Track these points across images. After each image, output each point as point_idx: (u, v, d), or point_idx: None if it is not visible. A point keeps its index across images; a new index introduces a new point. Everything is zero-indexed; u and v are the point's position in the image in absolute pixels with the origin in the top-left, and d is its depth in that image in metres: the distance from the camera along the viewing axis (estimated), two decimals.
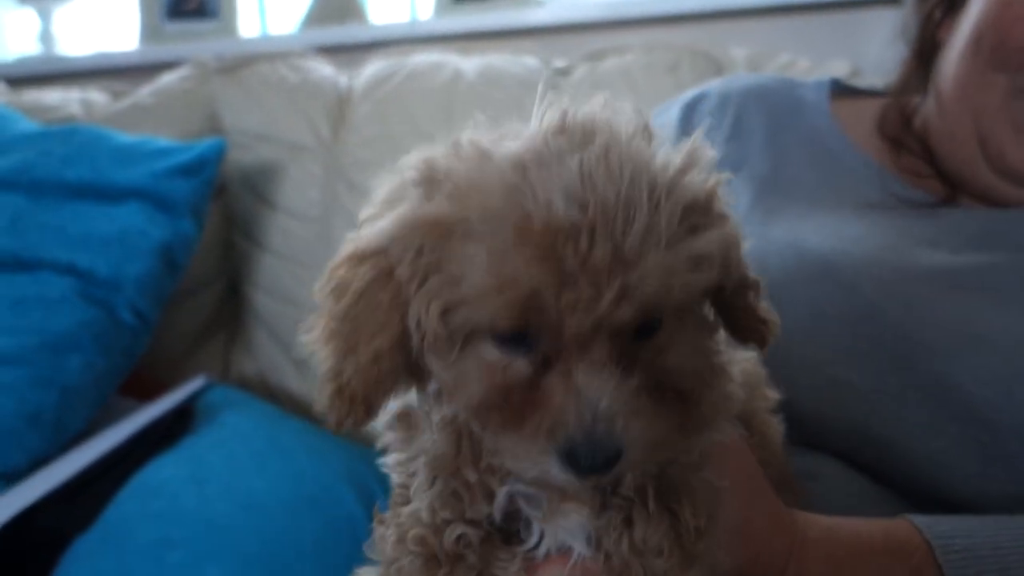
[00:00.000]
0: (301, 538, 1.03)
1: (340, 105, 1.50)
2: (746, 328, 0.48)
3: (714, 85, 0.95)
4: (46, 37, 2.52)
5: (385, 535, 0.50)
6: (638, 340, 0.42)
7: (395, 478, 0.52)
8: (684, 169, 0.43)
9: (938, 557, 0.55)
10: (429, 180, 0.43)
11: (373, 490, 1.17)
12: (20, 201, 1.19)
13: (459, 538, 0.47)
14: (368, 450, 1.28)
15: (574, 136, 0.42)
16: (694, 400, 0.44)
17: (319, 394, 0.45)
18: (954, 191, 0.83)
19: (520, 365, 0.42)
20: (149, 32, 2.49)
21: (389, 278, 0.43)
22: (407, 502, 0.49)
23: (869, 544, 0.57)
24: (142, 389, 1.32)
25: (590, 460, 0.40)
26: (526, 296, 0.39)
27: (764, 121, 0.89)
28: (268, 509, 1.04)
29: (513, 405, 0.42)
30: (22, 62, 2.37)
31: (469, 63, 1.52)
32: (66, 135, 1.26)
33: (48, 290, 1.15)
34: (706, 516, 0.46)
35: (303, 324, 0.46)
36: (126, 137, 1.29)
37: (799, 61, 1.41)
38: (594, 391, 0.40)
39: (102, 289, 1.18)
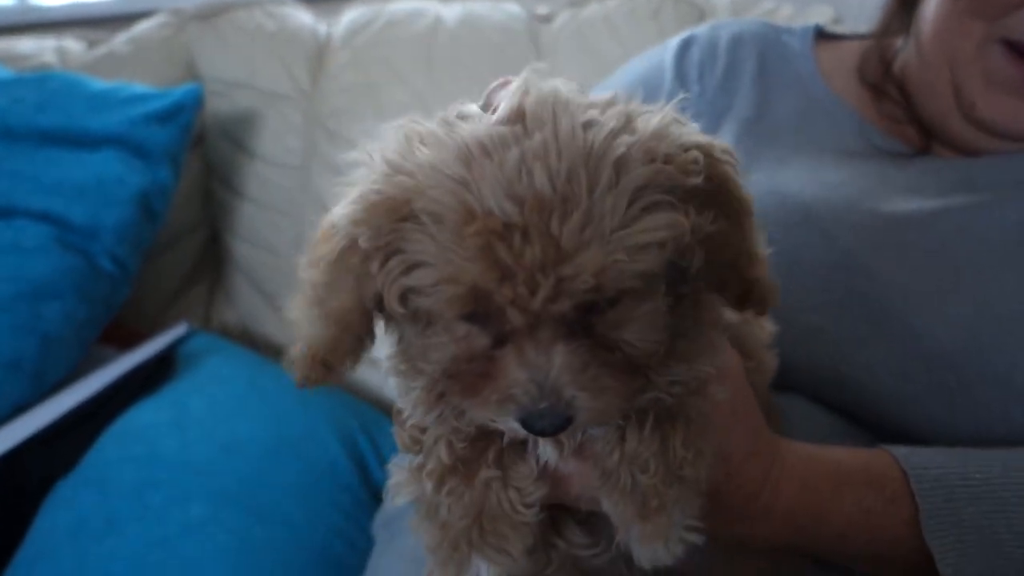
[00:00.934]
0: (282, 479, 1.04)
1: (319, 53, 1.48)
2: (748, 298, 0.49)
3: (702, 30, 0.95)
4: None
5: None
6: (592, 316, 0.44)
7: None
8: (635, 153, 0.42)
9: (912, 486, 0.57)
10: (391, 161, 0.44)
11: (355, 436, 1.18)
12: None
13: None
14: (351, 398, 1.30)
15: (522, 123, 0.42)
16: (644, 370, 0.46)
17: (290, 356, 0.49)
18: (930, 139, 0.83)
19: (479, 339, 0.45)
20: None
21: (355, 248, 0.45)
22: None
23: (847, 473, 0.59)
24: (123, 338, 1.32)
25: (541, 427, 0.44)
26: (468, 291, 0.41)
27: (752, 67, 0.90)
28: (249, 451, 1.05)
29: (472, 374, 0.45)
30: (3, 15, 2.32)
31: (449, 10, 1.50)
32: (39, 82, 1.24)
33: (24, 237, 1.14)
34: (695, 448, 0.48)
35: (290, 294, 0.49)
36: (100, 83, 1.27)
37: (782, 8, 1.40)
38: (542, 366, 0.42)
39: (79, 237, 1.17)
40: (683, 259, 0.44)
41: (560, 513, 0.56)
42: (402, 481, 0.53)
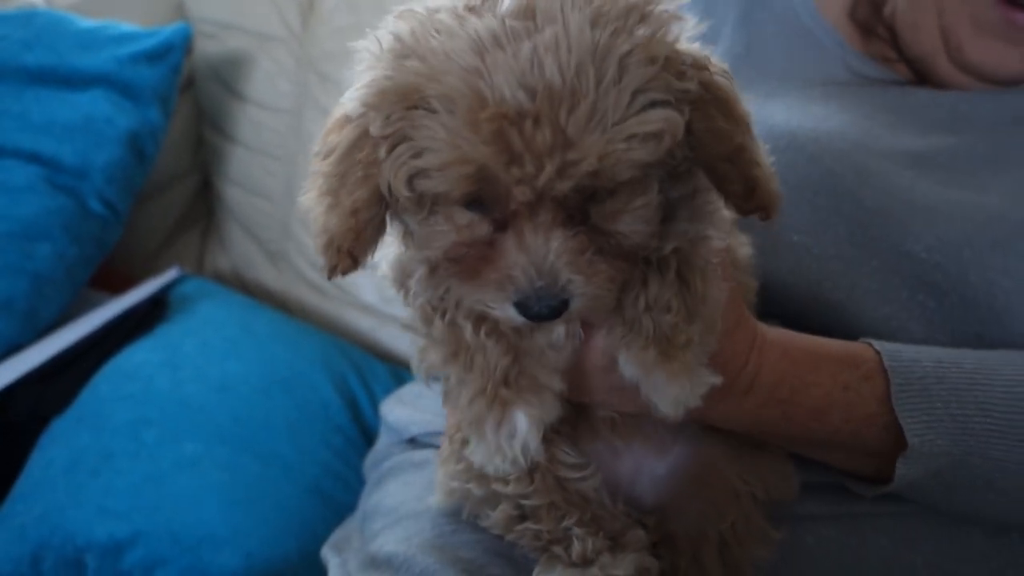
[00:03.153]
0: (274, 417, 1.05)
1: None
2: (750, 199, 0.50)
3: None
4: None
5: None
6: (590, 205, 0.47)
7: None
8: (638, 53, 0.44)
9: (885, 363, 0.59)
10: (400, 50, 0.46)
11: (347, 378, 1.19)
12: None
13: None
14: (343, 342, 1.30)
15: (532, 19, 0.44)
16: (636, 260, 0.50)
17: (315, 247, 0.50)
18: (919, 79, 0.83)
19: (480, 225, 0.47)
20: None
21: (366, 138, 0.47)
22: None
23: (825, 352, 0.61)
24: (116, 284, 1.32)
25: (538, 310, 0.46)
26: (477, 171, 0.44)
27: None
28: (241, 390, 1.07)
29: (473, 260, 0.48)
30: None
31: None
32: (25, 19, 1.22)
33: (12, 177, 1.13)
34: (711, 286, 0.52)
35: (302, 191, 0.51)
36: (87, 22, 1.25)
37: None
38: (540, 249, 0.45)
39: (69, 177, 1.17)
40: (679, 153, 0.47)
41: (550, 434, 0.57)
42: (427, 346, 0.55)
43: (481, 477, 0.60)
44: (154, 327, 1.16)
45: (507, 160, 0.43)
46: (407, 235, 0.52)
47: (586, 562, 0.58)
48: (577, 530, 0.59)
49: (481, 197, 0.46)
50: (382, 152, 0.46)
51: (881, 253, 0.69)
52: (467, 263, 0.48)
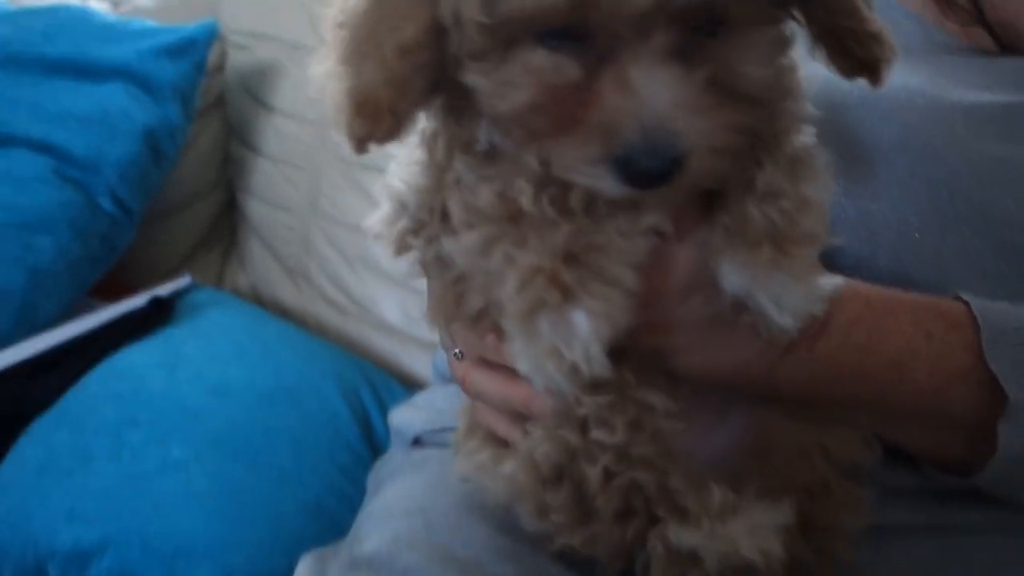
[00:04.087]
0: (275, 426, 0.95)
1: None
2: (856, 50, 0.43)
3: None
4: None
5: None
6: (706, 38, 0.37)
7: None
8: None
9: (975, 311, 0.49)
10: None
11: (360, 392, 1.09)
12: None
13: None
14: (357, 357, 1.21)
15: None
16: (760, 111, 0.40)
17: (338, 121, 0.41)
18: (1004, 47, 0.74)
19: (569, 66, 0.37)
20: None
21: None
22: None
23: (902, 297, 0.52)
24: (126, 295, 1.25)
25: (648, 165, 0.36)
26: None
27: None
28: (241, 396, 0.97)
29: (562, 110, 0.37)
30: None
31: None
32: (49, 12, 1.19)
33: (20, 167, 1.08)
34: (817, 172, 0.45)
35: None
36: (112, 16, 1.22)
37: None
38: (653, 86, 0.36)
39: (79, 170, 1.11)
40: None
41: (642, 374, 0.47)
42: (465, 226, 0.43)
43: (579, 423, 0.47)
44: (156, 330, 1.08)
45: None
46: (450, 106, 0.43)
47: (727, 514, 0.46)
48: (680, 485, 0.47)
49: (573, 24, 0.36)
50: None
51: (971, 220, 0.59)
52: (551, 118, 0.38)
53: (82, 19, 1.19)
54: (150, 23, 1.23)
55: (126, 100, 1.14)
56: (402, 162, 0.48)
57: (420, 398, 0.86)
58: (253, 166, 1.44)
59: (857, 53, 0.43)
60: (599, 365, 0.39)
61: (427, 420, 0.75)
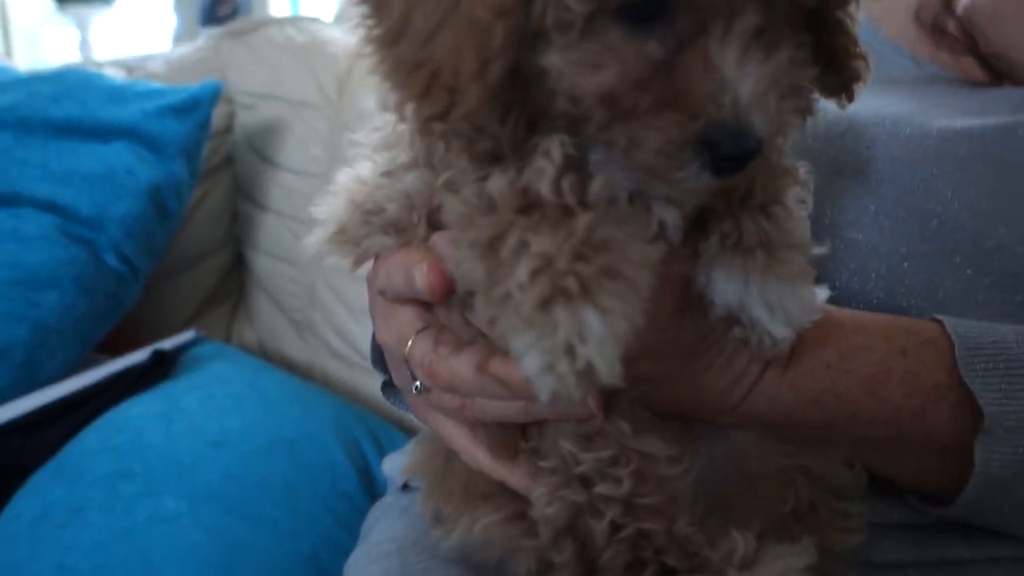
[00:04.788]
0: (270, 477, 0.94)
1: (347, 62, 1.44)
2: (842, 64, 0.44)
3: None
4: (84, 46, 2.57)
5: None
6: (781, 22, 0.38)
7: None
8: None
9: (948, 328, 0.48)
10: None
11: (360, 442, 1.08)
12: (5, 139, 1.15)
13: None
14: (358, 406, 1.20)
15: None
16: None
17: (393, 100, 0.38)
18: (998, 78, 0.73)
19: (653, 46, 0.36)
20: (183, 37, 2.51)
21: None
22: None
23: (869, 315, 0.51)
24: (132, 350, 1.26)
25: (734, 148, 0.35)
26: None
27: None
28: (237, 448, 0.96)
29: (644, 90, 0.36)
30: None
31: None
32: (57, 77, 1.23)
33: (26, 225, 1.10)
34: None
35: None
36: (119, 79, 1.25)
37: None
38: (743, 69, 0.35)
39: (84, 228, 1.13)
40: None
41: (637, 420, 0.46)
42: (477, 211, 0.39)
43: (581, 480, 0.45)
44: (158, 383, 1.08)
45: None
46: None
47: (752, 563, 0.44)
48: (690, 531, 0.45)
49: (652, 11, 0.36)
50: None
51: (962, 248, 0.58)
52: (633, 98, 0.36)
53: (89, 82, 1.22)
54: (156, 84, 1.27)
55: (131, 159, 1.17)
56: (366, 168, 0.47)
57: (412, 445, 0.84)
58: (260, 222, 1.46)
59: (844, 71, 0.44)
60: (614, 370, 0.35)
61: None
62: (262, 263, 1.45)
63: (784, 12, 0.38)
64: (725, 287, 0.43)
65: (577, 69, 0.36)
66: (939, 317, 0.49)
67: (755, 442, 0.50)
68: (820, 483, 0.49)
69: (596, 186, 0.38)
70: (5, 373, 1.03)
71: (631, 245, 0.38)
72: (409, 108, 0.38)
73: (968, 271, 0.57)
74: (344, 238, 0.48)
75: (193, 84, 1.48)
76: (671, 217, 0.42)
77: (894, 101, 0.69)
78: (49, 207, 1.12)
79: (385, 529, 0.67)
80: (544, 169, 0.38)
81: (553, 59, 0.37)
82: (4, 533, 0.87)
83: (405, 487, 0.74)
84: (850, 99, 0.46)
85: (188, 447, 0.95)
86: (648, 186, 0.40)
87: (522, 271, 0.36)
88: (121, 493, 0.88)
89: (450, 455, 0.53)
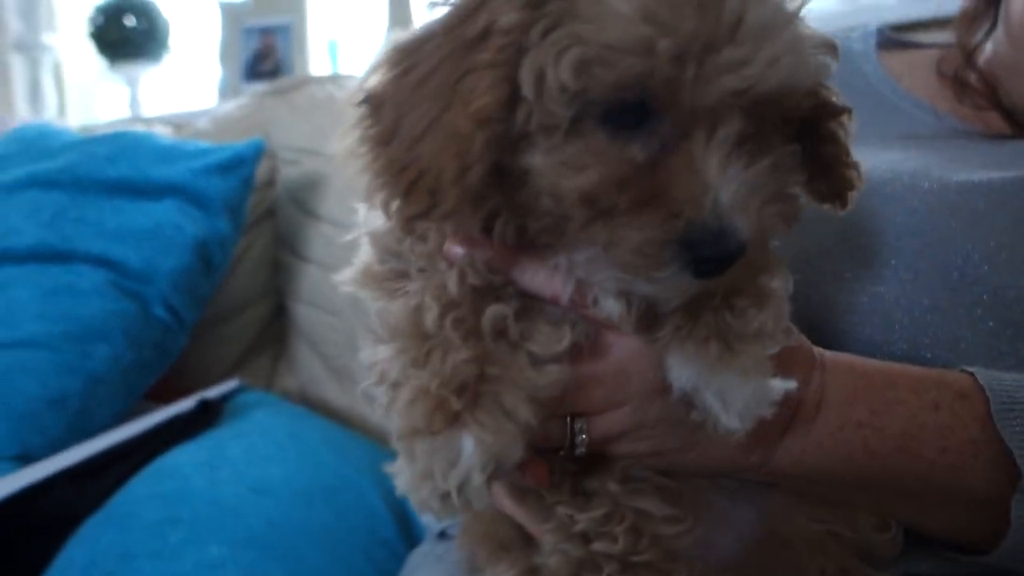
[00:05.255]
0: (310, 524, 0.96)
1: None
2: (834, 173, 0.45)
3: None
4: (134, 103, 2.67)
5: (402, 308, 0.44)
6: (766, 129, 0.39)
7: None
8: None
9: (981, 381, 0.48)
10: None
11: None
12: (62, 198, 1.21)
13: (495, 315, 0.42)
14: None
15: None
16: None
17: (378, 199, 0.40)
18: (1020, 129, 0.74)
19: (635, 149, 0.38)
20: (228, 93, 2.61)
21: (482, 39, 0.38)
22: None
23: (902, 368, 0.51)
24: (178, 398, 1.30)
25: (715, 251, 0.36)
26: (677, 46, 0.35)
27: None
28: (279, 494, 0.99)
29: (627, 192, 0.37)
30: (111, 127, 2.51)
31: None
32: (111, 139, 1.29)
33: (80, 280, 1.15)
34: (777, 272, 0.45)
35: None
36: (169, 139, 1.31)
37: None
38: (726, 173, 0.36)
39: (134, 281, 1.18)
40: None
41: (638, 483, 0.48)
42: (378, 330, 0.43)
43: (581, 536, 0.47)
44: (204, 431, 1.11)
45: (713, 35, 0.35)
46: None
47: None
48: None
49: (650, 100, 0.37)
50: (535, 35, 0.37)
51: (983, 300, 0.58)
52: (615, 199, 0.37)
53: (141, 143, 1.28)
54: (204, 143, 1.32)
55: (178, 215, 1.22)
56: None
57: None
58: (302, 273, 1.50)
59: (836, 178, 0.45)
60: (476, 495, 0.39)
61: None
62: (303, 313, 1.49)
63: (772, 121, 0.39)
64: (680, 372, 0.43)
65: (559, 170, 0.38)
66: (969, 369, 0.49)
67: (785, 506, 0.50)
68: (852, 549, 0.50)
69: (489, 317, 0.40)
70: (61, 423, 1.08)
71: (513, 375, 0.40)
72: (394, 205, 0.40)
73: (990, 323, 0.57)
74: (370, 276, 0.50)
75: (238, 141, 1.54)
76: (616, 310, 0.43)
77: (912, 155, 0.70)
78: (102, 263, 1.17)
79: None
80: (429, 305, 0.41)
81: (537, 160, 0.39)
82: None
83: (442, 535, 0.76)
84: (843, 207, 0.46)
85: (232, 494, 0.98)
86: (628, 285, 0.40)
87: (401, 400, 0.40)
88: (169, 540, 0.91)
89: None
